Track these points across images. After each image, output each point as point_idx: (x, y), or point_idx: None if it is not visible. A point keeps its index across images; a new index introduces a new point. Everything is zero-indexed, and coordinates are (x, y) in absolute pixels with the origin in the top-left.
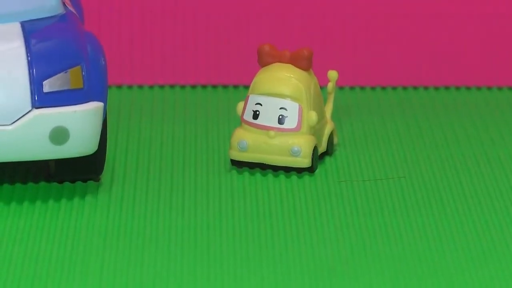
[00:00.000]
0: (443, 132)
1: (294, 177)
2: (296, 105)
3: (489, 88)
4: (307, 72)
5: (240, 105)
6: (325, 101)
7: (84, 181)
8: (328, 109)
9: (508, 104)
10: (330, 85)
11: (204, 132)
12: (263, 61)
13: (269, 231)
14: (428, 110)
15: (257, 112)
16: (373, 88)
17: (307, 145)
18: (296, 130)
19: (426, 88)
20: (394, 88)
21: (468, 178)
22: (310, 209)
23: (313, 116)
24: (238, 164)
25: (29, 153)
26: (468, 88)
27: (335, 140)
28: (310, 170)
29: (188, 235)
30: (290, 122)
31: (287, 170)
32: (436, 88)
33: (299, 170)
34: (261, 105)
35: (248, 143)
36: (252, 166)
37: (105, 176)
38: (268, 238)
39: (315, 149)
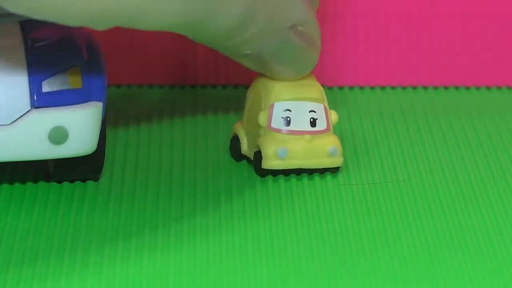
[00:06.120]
0: (442, 133)
1: (293, 179)
2: (321, 106)
3: (489, 88)
4: (311, 74)
5: (264, 114)
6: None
7: (83, 180)
8: None
9: (508, 104)
10: None
11: (204, 132)
12: None
13: (268, 233)
14: (428, 110)
15: (288, 118)
16: (372, 88)
17: (339, 144)
18: (327, 130)
19: (425, 88)
20: (393, 88)
21: (467, 180)
22: (310, 212)
23: (335, 114)
24: (272, 173)
25: (28, 153)
26: (467, 88)
27: None
28: (339, 169)
29: (187, 235)
30: (321, 124)
31: (287, 172)
32: (435, 88)
33: (332, 170)
34: (290, 111)
35: (288, 151)
36: (287, 173)
37: (104, 175)
38: (267, 240)
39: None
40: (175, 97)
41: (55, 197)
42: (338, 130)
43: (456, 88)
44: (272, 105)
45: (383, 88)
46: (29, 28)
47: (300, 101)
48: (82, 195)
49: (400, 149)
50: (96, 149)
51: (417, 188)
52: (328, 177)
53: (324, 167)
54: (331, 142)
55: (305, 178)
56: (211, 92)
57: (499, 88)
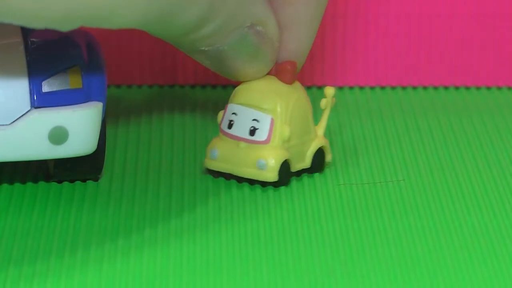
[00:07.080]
0: (442, 133)
1: (293, 180)
2: (268, 118)
3: (489, 88)
4: (290, 85)
5: (221, 114)
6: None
7: (83, 180)
8: (321, 125)
9: (508, 104)
10: (324, 101)
11: (204, 132)
12: None
13: (268, 232)
14: (428, 110)
15: (232, 122)
16: (372, 88)
17: (274, 159)
18: (266, 143)
19: (425, 88)
20: (393, 88)
21: (467, 180)
22: (309, 212)
23: (285, 130)
24: (212, 173)
25: (28, 153)
26: (467, 88)
27: (328, 158)
28: (277, 184)
29: (187, 235)
30: (261, 135)
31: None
32: (435, 88)
33: (265, 184)
34: (236, 115)
35: (219, 153)
36: (227, 177)
37: (104, 175)
38: (267, 240)
39: (284, 163)
40: (175, 97)
41: (55, 197)
42: (338, 129)
43: (456, 88)
44: (227, 106)
45: (383, 88)
46: (29, 28)
47: (247, 107)
48: (82, 195)
49: (400, 149)
50: (96, 149)
51: (417, 188)
52: (328, 177)
53: (252, 178)
54: (264, 155)
55: (305, 178)
56: (211, 92)
57: (499, 88)
